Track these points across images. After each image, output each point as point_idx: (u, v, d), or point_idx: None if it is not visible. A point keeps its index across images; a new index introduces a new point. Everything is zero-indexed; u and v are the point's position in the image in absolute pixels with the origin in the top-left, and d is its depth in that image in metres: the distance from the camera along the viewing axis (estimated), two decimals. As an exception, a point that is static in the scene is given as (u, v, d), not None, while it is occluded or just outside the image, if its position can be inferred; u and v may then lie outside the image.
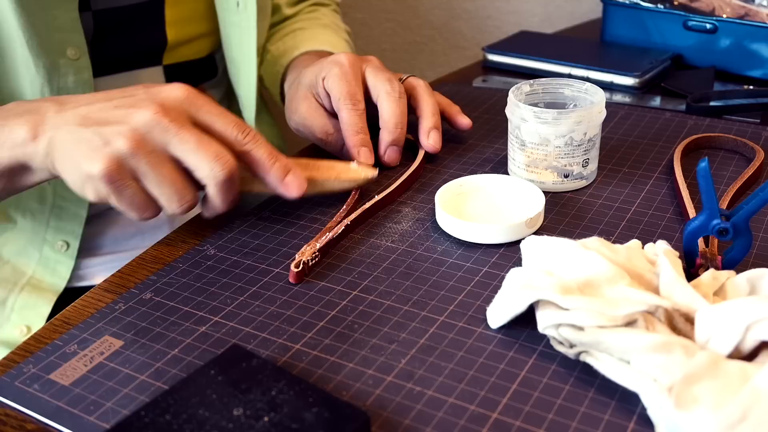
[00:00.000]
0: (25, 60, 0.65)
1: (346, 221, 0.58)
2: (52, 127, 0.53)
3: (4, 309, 0.72)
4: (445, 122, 0.73)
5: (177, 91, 0.54)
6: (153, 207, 0.53)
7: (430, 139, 0.68)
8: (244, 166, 0.56)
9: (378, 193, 0.63)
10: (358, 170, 0.64)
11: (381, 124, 0.67)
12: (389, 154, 0.67)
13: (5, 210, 0.72)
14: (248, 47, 0.79)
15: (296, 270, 0.53)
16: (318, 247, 0.55)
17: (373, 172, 0.64)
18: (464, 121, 0.73)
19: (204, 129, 0.53)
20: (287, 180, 0.57)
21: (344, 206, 0.61)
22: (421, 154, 0.68)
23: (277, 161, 0.56)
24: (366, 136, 0.66)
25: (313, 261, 0.55)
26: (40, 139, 0.53)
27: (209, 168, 0.52)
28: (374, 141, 0.67)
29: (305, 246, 0.56)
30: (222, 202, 0.55)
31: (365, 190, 0.65)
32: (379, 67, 0.69)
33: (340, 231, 0.57)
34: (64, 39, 0.67)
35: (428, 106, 0.69)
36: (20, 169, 0.55)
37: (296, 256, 0.55)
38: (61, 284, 0.73)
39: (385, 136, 0.67)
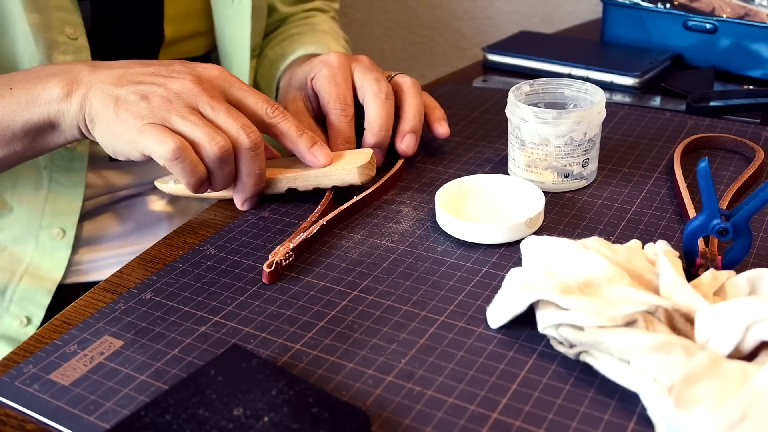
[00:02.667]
0: (25, 36, 0.66)
1: (322, 221, 0.58)
2: (85, 85, 0.57)
3: (3, 300, 0.72)
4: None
5: (212, 68, 0.59)
6: (180, 143, 0.53)
7: (403, 144, 0.67)
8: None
9: (357, 195, 0.62)
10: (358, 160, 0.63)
11: (366, 125, 0.66)
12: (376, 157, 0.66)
13: (1, 196, 0.72)
14: (242, 42, 0.79)
15: (268, 270, 0.53)
16: (291, 246, 0.55)
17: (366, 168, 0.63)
18: (441, 130, 0.70)
19: (236, 104, 0.58)
20: (314, 149, 0.62)
21: (319, 207, 0.61)
22: (401, 159, 0.67)
23: (304, 133, 0.61)
24: (353, 146, 0.66)
25: (287, 261, 0.55)
26: (73, 95, 0.56)
27: (237, 133, 0.56)
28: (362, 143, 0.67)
29: (278, 246, 0.56)
30: (250, 174, 0.58)
31: (344, 191, 0.64)
32: (368, 66, 0.69)
33: (314, 231, 0.57)
34: (62, 17, 0.67)
35: (411, 107, 0.68)
36: (49, 127, 0.58)
37: (269, 256, 0.55)
38: (59, 272, 0.74)
39: (370, 139, 0.66)
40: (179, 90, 0.56)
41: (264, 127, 0.60)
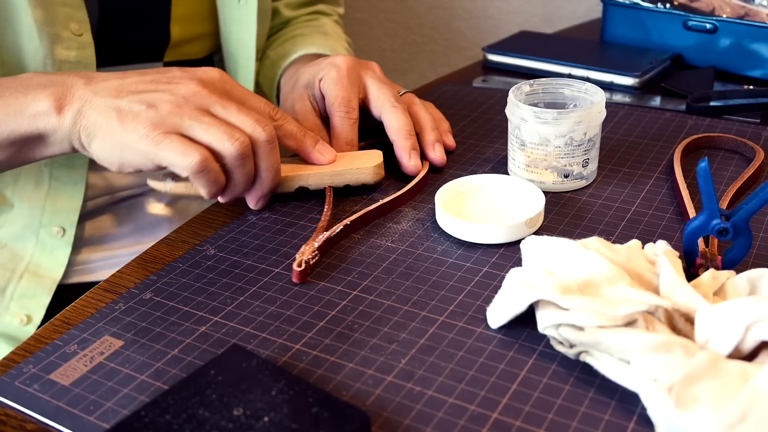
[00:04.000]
0: (29, 30, 0.65)
1: (347, 221, 0.58)
2: (79, 99, 0.55)
3: (3, 298, 0.72)
4: None
5: (211, 71, 0.58)
6: (204, 154, 0.53)
7: (436, 152, 0.68)
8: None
9: (382, 198, 0.63)
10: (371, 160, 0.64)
11: (393, 134, 0.66)
12: (415, 160, 0.66)
13: (2, 193, 0.72)
14: (248, 43, 0.80)
15: (299, 269, 0.53)
16: (316, 246, 0.55)
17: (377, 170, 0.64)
18: (449, 141, 0.73)
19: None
20: (319, 146, 0.62)
21: (326, 206, 0.61)
22: (425, 166, 0.67)
23: (306, 134, 0.62)
24: (354, 148, 0.67)
25: (314, 260, 0.55)
26: (66, 111, 0.55)
27: (252, 128, 0.55)
28: (365, 145, 0.67)
29: (304, 246, 0.56)
30: (268, 168, 0.57)
31: (369, 193, 0.65)
32: (381, 78, 0.70)
33: (338, 230, 0.57)
34: (68, 13, 0.67)
35: (427, 121, 0.70)
36: (36, 139, 0.56)
37: (296, 255, 0.55)
38: (60, 271, 0.74)
39: (403, 143, 0.66)
40: (186, 94, 0.55)
41: None
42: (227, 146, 0.53)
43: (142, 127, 0.52)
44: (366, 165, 0.63)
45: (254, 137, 0.55)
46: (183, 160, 0.52)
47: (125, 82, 0.56)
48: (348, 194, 0.65)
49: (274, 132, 0.57)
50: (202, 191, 0.55)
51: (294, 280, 0.54)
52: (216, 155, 0.54)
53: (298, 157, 0.64)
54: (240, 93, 0.59)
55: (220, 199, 0.59)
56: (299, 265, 0.53)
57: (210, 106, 0.55)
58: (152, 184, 0.64)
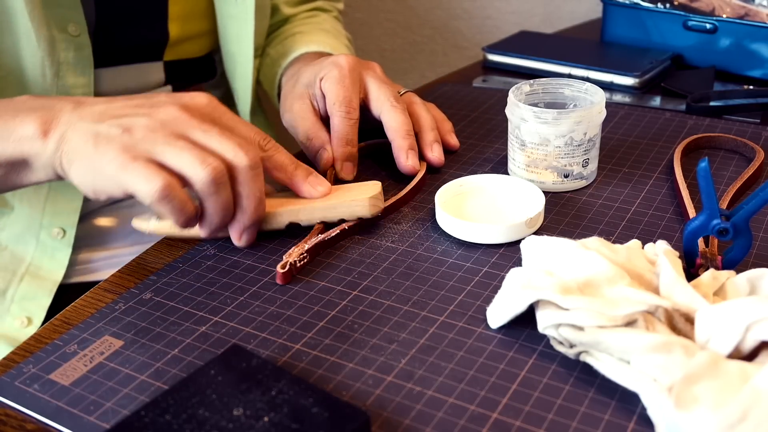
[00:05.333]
0: (27, 32, 0.65)
1: (344, 226, 0.58)
2: (65, 123, 0.53)
3: (4, 300, 0.72)
4: None
5: (199, 97, 0.55)
6: (166, 180, 0.49)
7: (434, 152, 0.68)
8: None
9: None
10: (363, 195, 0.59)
11: (392, 134, 0.66)
12: (412, 160, 0.66)
13: (2, 196, 0.72)
14: (246, 40, 0.80)
15: (282, 271, 0.53)
16: (306, 248, 0.55)
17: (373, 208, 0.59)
18: (452, 141, 0.72)
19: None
20: (311, 179, 0.59)
21: None
22: (423, 167, 0.67)
23: (298, 165, 0.58)
24: (354, 149, 0.66)
25: (301, 262, 0.55)
26: (50, 135, 0.52)
27: (233, 153, 0.51)
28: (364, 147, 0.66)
29: (293, 247, 0.56)
30: (250, 196, 0.53)
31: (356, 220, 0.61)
32: (381, 78, 0.70)
33: (333, 234, 0.57)
34: (65, 15, 0.67)
35: (427, 121, 0.70)
36: (21, 164, 0.54)
37: (284, 257, 0.55)
38: (60, 272, 0.74)
39: (401, 143, 0.66)
40: (165, 118, 0.52)
41: None
42: (198, 171, 0.49)
43: (112, 150, 0.50)
44: (362, 197, 0.58)
45: (234, 163, 0.51)
46: (145, 185, 0.48)
47: (111, 106, 0.54)
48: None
49: (258, 158, 0.52)
50: (171, 219, 0.51)
51: (277, 281, 0.54)
52: (187, 182, 0.50)
53: (289, 191, 0.60)
54: (228, 120, 0.55)
55: (200, 234, 0.55)
56: (283, 267, 0.53)
57: (188, 130, 0.51)
58: (136, 224, 0.60)
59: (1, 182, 0.56)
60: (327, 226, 0.59)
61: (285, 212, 0.58)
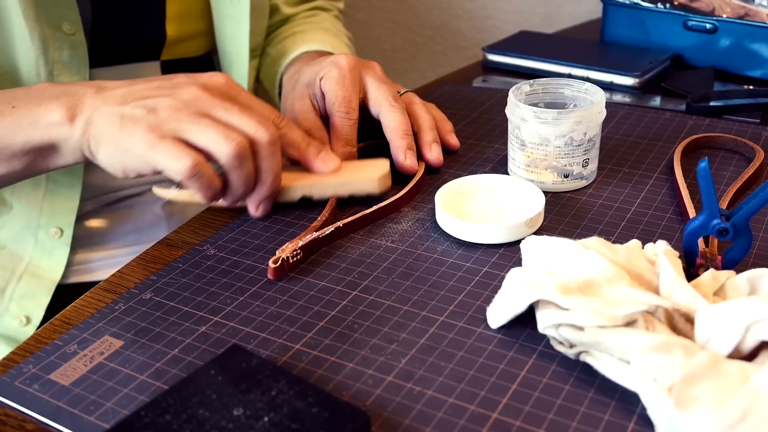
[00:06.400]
0: (21, 30, 0.65)
1: (339, 223, 0.58)
2: (89, 108, 0.55)
3: (2, 299, 0.72)
4: None
5: (217, 77, 0.58)
6: (195, 159, 0.52)
7: (432, 152, 0.68)
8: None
9: (379, 201, 0.62)
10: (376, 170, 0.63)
11: (390, 133, 0.66)
12: (410, 160, 0.66)
13: (1, 195, 0.72)
14: (241, 40, 0.80)
15: (274, 266, 0.53)
16: (300, 244, 0.55)
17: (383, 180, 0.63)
18: (453, 141, 0.73)
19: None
20: (323, 155, 0.62)
21: (327, 207, 0.61)
22: (421, 167, 0.67)
23: (310, 143, 0.62)
24: (353, 149, 0.67)
25: (294, 258, 0.55)
26: (77, 120, 0.55)
27: (254, 129, 0.54)
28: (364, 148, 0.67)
29: (287, 243, 0.56)
30: (269, 171, 0.56)
31: (366, 197, 0.64)
32: (381, 78, 0.70)
33: (328, 232, 0.57)
34: (60, 13, 0.67)
35: (426, 121, 0.70)
36: (50, 149, 0.57)
37: (277, 252, 0.55)
38: (59, 271, 0.74)
39: (399, 143, 0.66)
40: (187, 98, 0.55)
41: None
42: (223, 147, 0.53)
43: (140, 130, 0.52)
44: (371, 176, 0.62)
45: (256, 138, 0.55)
46: (175, 164, 0.51)
47: (132, 89, 0.56)
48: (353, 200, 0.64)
49: (277, 134, 0.56)
50: (199, 196, 0.55)
51: (269, 276, 0.54)
52: (213, 157, 0.53)
53: (301, 166, 0.63)
54: (245, 98, 0.58)
55: (222, 203, 0.58)
56: (275, 262, 0.53)
57: (211, 109, 0.55)
58: (157, 191, 0.63)
59: (31, 166, 0.59)
60: (330, 218, 0.60)
61: (299, 186, 0.62)
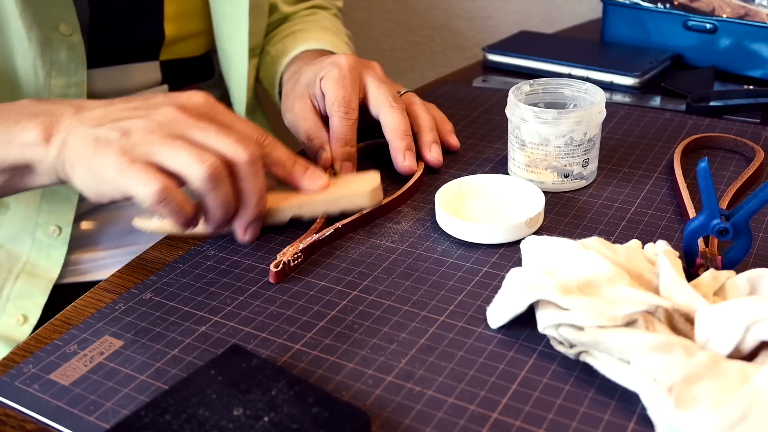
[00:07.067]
0: (18, 32, 0.65)
1: (338, 225, 0.58)
2: (65, 129, 0.53)
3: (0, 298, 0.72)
4: None
5: (196, 96, 0.55)
6: (163, 183, 0.49)
7: (432, 153, 0.68)
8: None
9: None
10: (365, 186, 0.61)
11: (390, 133, 0.66)
12: (409, 161, 0.66)
13: None
14: (240, 40, 0.79)
15: (275, 270, 0.53)
16: (301, 247, 0.55)
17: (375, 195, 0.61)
18: (453, 141, 0.72)
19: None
20: (310, 173, 0.59)
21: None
22: (420, 167, 0.67)
23: (296, 161, 0.59)
24: (353, 149, 0.66)
25: (295, 261, 0.55)
26: (52, 141, 0.53)
27: (232, 149, 0.51)
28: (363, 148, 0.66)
29: (288, 246, 0.56)
30: (251, 191, 0.53)
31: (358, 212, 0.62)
32: (381, 78, 0.70)
33: (328, 233, 0.57)
34: (57, 14, 0.67)
35: (425, 121, 0.70)
36: (25, 169, 0.55)
37: (278, 256, 0.55)
38: (56, 270, 0.74)
39: (398, 143, 0.66)
40: (162, 120, 0.52)
41: None
42: (195, 170, 0.49)
43: (111, 153, 0.50)
44: (362, 190, 0.60)
45: (234, 158, 0.51)
46: (143, 188, 0.49)
47: (110, 110, 0.54)
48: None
49: (257, 153, 0.53)
50: (173, 223, 0.52)
51: (270, 280, 0.54)
52: (186, 181, 0.51)
53: (289, 186, 0.60)
54: (226, 117, 0.55)
55: (205, 231, 0.55)
56: (276, 266, 0.53)
57: (186, 130, 0.52)
58: (138, 223, 0.60)
59: (6, 186, 0.57)
60: (328, 221, 0.59)
61: (287, 207, 0.59)
